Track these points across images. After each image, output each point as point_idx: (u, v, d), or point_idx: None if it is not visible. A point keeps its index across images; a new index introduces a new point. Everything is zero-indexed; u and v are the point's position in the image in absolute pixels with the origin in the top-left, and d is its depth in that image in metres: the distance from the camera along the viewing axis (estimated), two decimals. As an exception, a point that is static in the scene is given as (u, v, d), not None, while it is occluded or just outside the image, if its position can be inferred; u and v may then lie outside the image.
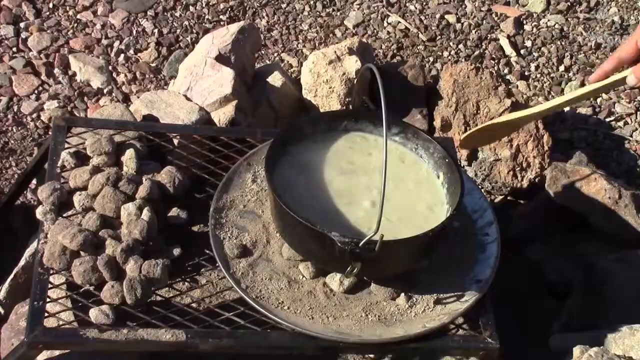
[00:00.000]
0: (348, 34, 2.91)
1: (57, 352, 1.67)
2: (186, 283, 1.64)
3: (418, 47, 2.91)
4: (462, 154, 2.33)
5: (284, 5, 2.99)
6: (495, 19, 3.04)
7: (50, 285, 1.56)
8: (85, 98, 2.59)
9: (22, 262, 1.91)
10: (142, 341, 1.50)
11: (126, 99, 2.60)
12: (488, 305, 1.65)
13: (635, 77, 1.34)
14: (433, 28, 2.98)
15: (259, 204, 1.74)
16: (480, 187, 2.26)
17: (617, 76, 1.39)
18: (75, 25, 2.79)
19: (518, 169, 2.34)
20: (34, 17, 2.78)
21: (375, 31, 2.95)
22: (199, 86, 2.22)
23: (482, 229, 1.77)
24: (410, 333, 1.56)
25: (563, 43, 2.98)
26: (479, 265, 1.70)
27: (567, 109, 2.75)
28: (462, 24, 3.00)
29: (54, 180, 1.72)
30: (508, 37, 2.96)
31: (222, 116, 2.15)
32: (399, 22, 2.98)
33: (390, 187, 1.54)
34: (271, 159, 1.61)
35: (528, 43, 2.97)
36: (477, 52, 2.91)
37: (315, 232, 1.48)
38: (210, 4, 2.94)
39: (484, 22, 3.02)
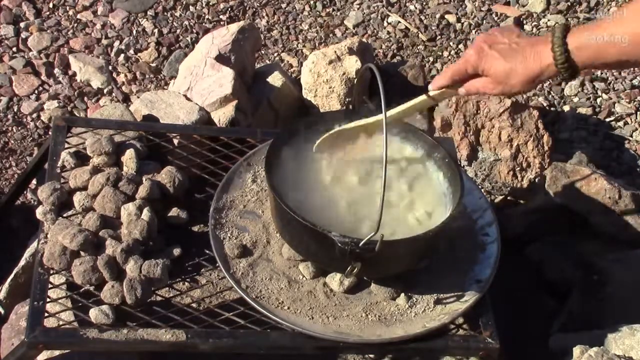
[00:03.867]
0: (348, 34, 2.91)
1: (57, 352, 1.67)
2: (186, 283, 1.64)
3: (418, 47, 2.91)
4: (462, 154, 2.33)
5: (284, 5, 2.99)
6: (495, 19, 3.04)
7: (50, 285, 1.56)
8: (85, 98, 2.59)
9: (22, 262, 1.91)
10: (142, 341, 1.50)
11: (126, 99, 2.60)
12: (488, 305, 1.65)
13: (465, 91, 1.49)
14: (433, 28, 2.98)
15: (259, 204, 1.74)
16: (480, 187, 2.26)
17: (451, 89, 1.52)
18: (75, 25, 2.80)
19: (518, 169, 2.34)
20: (34, 17, 2.78)
21: (375, 31, 2.95)
22: (199, 86, 2.22)
23: (482, 229, 1.77)
24: (410, 333, 1.56)
25: (563, 43, 2.98)
26: (479, 265, 1.70)
27: (567, 109, 2.75)
28: (462, 24, 3.00)
29: (54, 180, 1.72)
30: (508, 37, 2.96)
31: (222, 116, 2.15)
32: (399, 22, 2.98)
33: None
34: (271, 159, 1.61)
35: (528, 43, 2.96)
36: (477, 52, 2.90)
37: (315, 232, 1.48)
38: (210, 4, 2.94)
39: (484, 22, 3.02)
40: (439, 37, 2.95)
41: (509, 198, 2.38)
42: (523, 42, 1.40)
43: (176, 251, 1.64)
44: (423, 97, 1.57)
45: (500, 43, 1.42)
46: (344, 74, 2.36)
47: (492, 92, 1.44)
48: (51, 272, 1.57)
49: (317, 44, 2.87)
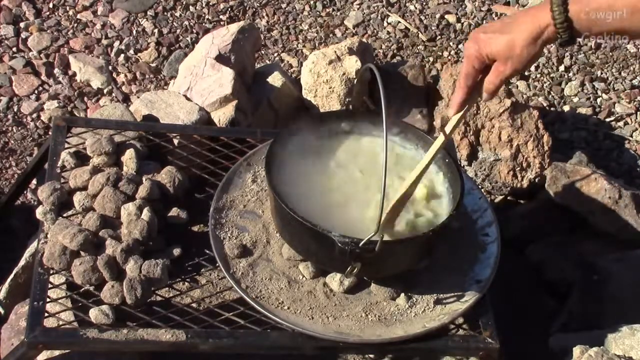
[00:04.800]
0: (348, 34, 2.91)
1: (57, 352, 1.67)
2: (186, 283, 1.64)
3: (418, 47, 2.91)
4: (462, 154, 2.33)
5: (284, 5, 2.99)
6: (495, 19, 3.04)
7: (50, 285, 1.56)
8: (85, 98, 2.59)
9: (22, 262, 1.91)
10: (142, 341, 1.50)
11: (126, 99, 2.60)
12: (488, 305, 1.65)
13: (487, 94, 1.45)
14: (433, 28, 2.98)
15: (259, 204, 1.74)
16: (480, 187, 2.26)
17: (470, 101, 1.48)
18: (75, 25, 2.79)
19: (518, 169, 2.34)
20: (34, 17, 2.78)
21: (375, 31, 2.95)
22: (199, 86, 2.22)
23: (482, 229, 1.77)
24: (410, 333, 1.56)
25: (563, 43, 2.98)
26: (479, 265, 1.70)
27: (567, 109, 2.75)
28: (462, 24, 3.00)
29: (54, 180, 1.72)
30: (508, 37, 2.96)
31: (222, 116, 2.15)
32: (399, 22, 2.98)
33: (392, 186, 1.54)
34: (271, 159, 1.61)
35: (528, 43, 2.96)
36: (477, 52, 2.90)
37: (315, 232, 1.48)
38: (210, 4, 2.94)
39: (484, 22, 3.02)
40: (439, 37, 2.96)
41: (509, 198, 2.38)
42: (517, 14, 1.40)
43: (176, 251, 1.64)
44: (452, 123, 1.52)
45: (493, 25, 1.42)
46: (344, 74, 2.36)
47: (506, 72, 1.40)
48: (51, 272, 1.57)
49: (317, 44, 2.87)
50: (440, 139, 1.55)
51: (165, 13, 2.88)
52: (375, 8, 3.02)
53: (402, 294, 1.62)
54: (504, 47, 1.38)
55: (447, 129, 1.53)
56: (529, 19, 1.35)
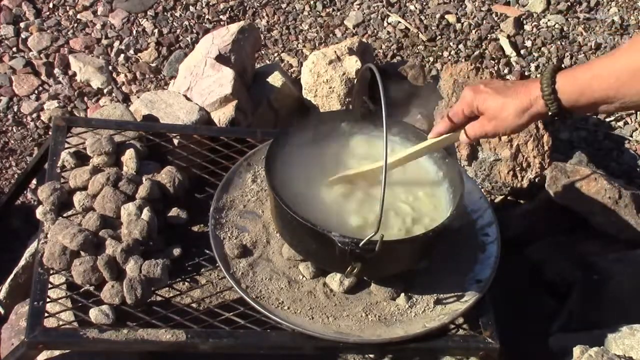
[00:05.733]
0: (348, 34, 2.91)
1: (57, 352, 1.67)
2: (186, 283, 1.64)
3: (418, 47, 2.91)
4: (462, 154, 2.33)
5: (284, 5, 2.99)
6: (495, 19, 3.04)
7: (50, 285, 1.56)
8: (85, 98, 2.59)
9: (22, 262, 1.91)
10: (142, 341, 1.50)
11: (126, 99, 2.60)
12: (488, 305, 1.65)
13: (465, 137, 1.53)
14: (433, 28, 2.98)
15: (259, 204, 1.74)
16: (480, 187, 2.25)
17: (451, 135, 1.57)
18: (75, 25, 2.79)
19: (518, 169, 2.33)
20: (34, 17, 2.78)
21: (375, 31, 2.95)
22: (199, 86, 2.22)
23: (482, 229, 1.77)
24: (410, 333, 1.56)
25: (563, 43, 2.98)
26: (479, 265, 1.70)
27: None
28: (462, 24, 3.00)
29: (54, 180, 1.72)
30: (508, 37, 2.96)
31: (222, 116, 2.15)
32: (399, 22, 2.98)
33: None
34: (271, 159, 1.61)
35: (528, 43, 2.97)
36: (477, 52, 2.91)
37: (315, 232, 1.48)
38: (210, 4, 2.94)
39: (484, 22, 3.02)
40: (439, 37, 2.95)
41: (509, 198, 2.38)
42: (518, 82, 1.47)
43: (176, 251, 1.64)
44: (425, 143, 1.61)
45: (495, 83, 1.48)
46: (344, 74, 2.36)
47: (487, 129, 1.47)
48: (51, 272, 1.57)
49: (317, 44, 2.87)
50: (407, 151, 1.64)
51: (165, 13, 2.88)
52: (375, 8, 3.02)
53: (402, 294, 1.62)
54: (494, 108, 1.45)
55: (417, 146, 1.62)
56: (523, 89, 1.42)
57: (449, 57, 2.88)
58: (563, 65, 1.41)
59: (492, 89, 1.46)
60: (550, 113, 1.39)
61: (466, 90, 1.50)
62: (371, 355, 1.79)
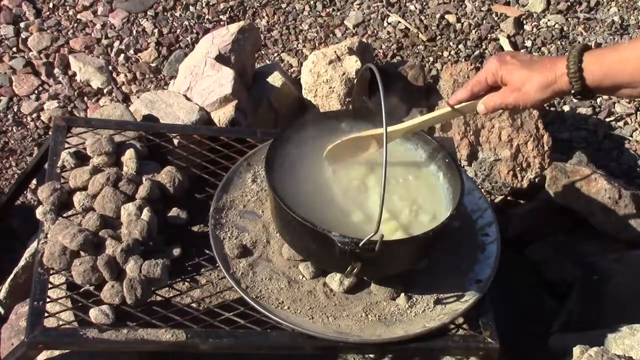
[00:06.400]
0: (348, 34, 2.91)
1: (57, 352, 1.67)
2: (186, 283, 1.64)
3: (418, 47, 2.91)
4: (462, 154, 2.33)
5: (284, 5, 2.99)
6: (495, 19, 3.04)
7: (50, 285, 1.56)
8: (85, 98, 2.59)
9: (22, 262, 1.91)
10: (142, 341, 1.50)
11: (126, 99, 2.60)
12: (488, 305, 1.65)
13: (484, 107, 1.52)
14: (433, 28, 2.98)
15: (259, 204, 1.74)
16: (480, 187, 2.26)
17: (469, 103, 1.55)
18: (75, 25, 2.80)
19: (518, 169, 2.34)
20: (34, 17, 2.78)
21: (375, 31, 2.95)
22: (199, 86, 2.22)
23: (482, 229, 1.77)
24: (410, 333, 1.56)
25: (563, 43, 2.98)
26: (479, 265, 1.70)
27: (567, 109, 2.75)
28: (462, 24, 3.00)
29: (54, 180, 1.72)
30: (508, 37, 2.96)
31: (222, 116, 2.15)
32: (399, 22, 2.98)
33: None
34: (271, 159, 1.61)
35: (528, 43, 2.97)
36: (477, 52, 2.91)
37: (315, 232, 1.48)
38: (210, 4, 2.94)
39: (484, 22, 3.02)
40: (439, 37, 2.96)
41: (509, 198, 2.38)
42: (543, 57, 1.48)
43: (176, 251, 1.64)
44: (443, 110, 1.60)
45: (521, 56, 1.48)
46: (344, 74, 2.36)
47: (509, 101, 1.47)
48: (51, 272, 1.57)
49: (317, 44, 2.87)
50: (423, 117, 1.62)
51: (165, 13, 2.88)
52: (375, 8, 3.02)
53: (402, 294, 1.62)
54: (518, 79, 1.45)
55: (435, 113, 1.61)
56: (549, 65, 1.42)
57: (449, 57, 2.88)
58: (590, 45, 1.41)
59: (518, 61, 1.46)
60: (573, 91, 1.40)
61: (492, 59, 1.49)
62: (371, 355, 1.79)
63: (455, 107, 1.56)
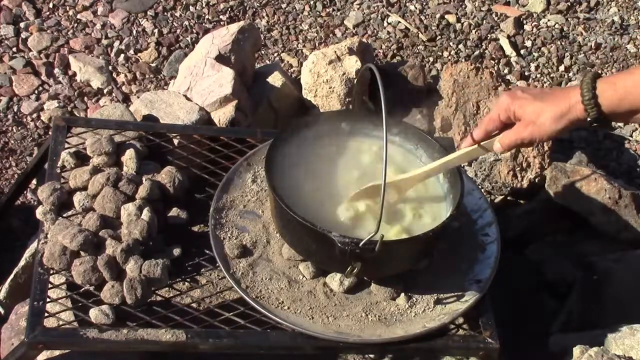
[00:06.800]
0: (348, 34, 2.91)
1: (57, 352, 1.67)
2: (186, 283, 1.64)
3: (418, 47, 2.91)
4: (462, 154, 2.33)
5: (284, 5, 2.99)
6: (495, 19, 3.04)
7: (50, 285, 1.56)
8: (85, 98, 2.59)
9: (22, 262, 1.91)
10: (142, 341, 1.50)
11: (126, 99, 2.60)
12: (488, 305, 1.65)
13: (500, 145, 1.51)
14: (433, 28, 2.98)
15: (259, 204, 1.74)
16: (480, 187, 2.26)
17: (485, 143, 1.54)
18: (75, 25, 2.80)
19: (518, 169, 2.33)
20: (34, 17, 2.78)
21: (375, 31, 2.95)
22: (199, 86, 2.22)
23: (482, 229, 1.77)
24: (410, 333, 1.56)
25: (563, 43, 2.98)
26: (479, 265, 1.70)
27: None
28: (462, 24, 3.00)
29: (54, 180, 1.72)
30: (508, 37, 2.96)
31: (222, 116, 2.15)
32: (399, 22, 2.98)
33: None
34: (271, 159, 1.61)
35: (528, 43, 2.97)
36: (477, 52, 2.91)
37: (315, 232, 1.48)
38: (210, 4, 2.94)
39: (484, 22, 3.02)
40: (439, 37, 2.96)
41: (509, 198, 2.38)
42: (554, 89, 1.49)
43: (176, 251, 1.64)
44: (458, 153, 1.58)
45: (532, 90, 1.48)
46: (344, 74, 2.36)
47: (524, 135, 1.45)
48: (51, 272, 1.57)
49: (317, 44, 2.87)
50: (440, 161, 1.60)
51: (165, 13, 2.88)
52: (375, 8, 3.02)
53: (402, 294, 1.62)
54: (531, 113, 1.44)
55: (451, 155, 1.59)
56: (563, 95, 1.41)
57: (449, 57, 2.88)
58: (601, 73, 1.41)
59: (530, 95, 1.45)
60: (589, 119, 1.39)
61: (503, 95, 1.49)
62: (371, 355, 1.79)
63: (469, 148, 1.55)
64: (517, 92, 1.47)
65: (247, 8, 2.96)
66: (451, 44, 2.93)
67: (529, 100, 1.44)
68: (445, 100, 2.41)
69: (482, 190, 2.20)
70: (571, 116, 1.40)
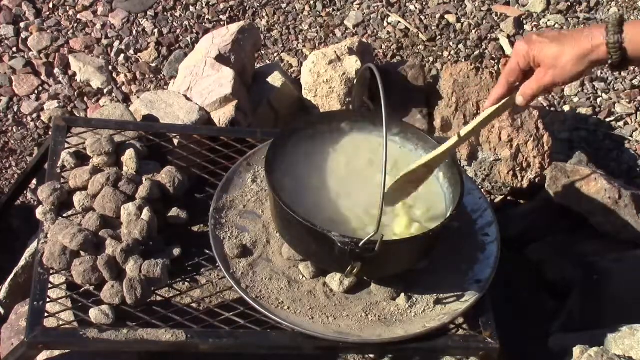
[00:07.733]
0: (348, 34, 2.91)
1: (57, 352, 1.67)
2: (186, 283, 1.64)
3: (418, 47, 2.91)
4: (462, 154, 2.33)
5: (284, 5, 2.99)
6: (495, 19, 3.04)
7: (50, 285, 1.56)
8: (85, 98, 2.59)
9: (22, 262, 1.91)
10: (142, 341, 1.50)
11: (126, 99, 2.60)
12: (488, 305, 1.65)
13: (522, 98, 1.45)
14: (433, 28, 2.98)
15: (259, 204, 1.74)
16: (480, 187, 2.26)
17: (506, 100, 1.48)
18: (75, 25, 2.79)
19: (518, 169, 2.33)
20: (34, 17, 2.78)
21: (375, 31, 2.95)
22: (199, 86, 2.22)
23: (482, 229, 1.77)
24: (410, 333, 1.56)
25: (563, 43, 2.98)
26: (479, 265, 1.70)
27: (567, 109, 2.75)
28: (462, 24, 3.00)
29: (54, 180, 1.72)
30: (508, 37, 2.96)
31: (222, 116, 2.15)
32: (399, 22, 2.98)
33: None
34: (271, 159, 1.61)
35: (528, 43, 2.96)
36: (477, 52, 2.91)
37: (315, 232, 1.48)
38: (210, 4, 2.94)
39: (484, 22, 3.02)
40: (439, 37, 2.95)
41: (509, 198, 2.38)
42: (575, 30, 1.42)
43: (176, 251, 1.64)
44: (485, 113, 1.52)
45: (550, 33, 1.43)
46: (344, 74, 2.36)
47: (545, 80, 1.40)
48: (51, 272, 1.57)
49: (317, 44, 2.87)
50: (466, 128, 1.55)
51: (165, 13, 2.88)
52: (375, 8, 3.02)
53: (402, 294, 1.62)
54: (551, 56, 1.38)
55: (477, 119, 1.53)
56: (584, 35, 1.36)
57: (449, 57, 2.88)
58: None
59: (547, 38, 1.40)
60: (610, 61, 1.34)
61: (518, 43, 1.43)
62: (371, 355, 1.79)
63: (496, 106, 1.49)
64: (533, 37, 1.42)
65: (247, 8, 2.96)
66: (451, 44, 2.93)
67: (547, 43, 1.39)
68: (445, 100, 2.41)
69: (482, 190, 2.20)
70: (593, 57, 1.35)
